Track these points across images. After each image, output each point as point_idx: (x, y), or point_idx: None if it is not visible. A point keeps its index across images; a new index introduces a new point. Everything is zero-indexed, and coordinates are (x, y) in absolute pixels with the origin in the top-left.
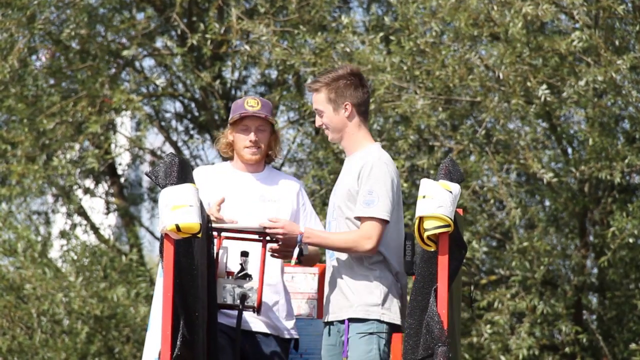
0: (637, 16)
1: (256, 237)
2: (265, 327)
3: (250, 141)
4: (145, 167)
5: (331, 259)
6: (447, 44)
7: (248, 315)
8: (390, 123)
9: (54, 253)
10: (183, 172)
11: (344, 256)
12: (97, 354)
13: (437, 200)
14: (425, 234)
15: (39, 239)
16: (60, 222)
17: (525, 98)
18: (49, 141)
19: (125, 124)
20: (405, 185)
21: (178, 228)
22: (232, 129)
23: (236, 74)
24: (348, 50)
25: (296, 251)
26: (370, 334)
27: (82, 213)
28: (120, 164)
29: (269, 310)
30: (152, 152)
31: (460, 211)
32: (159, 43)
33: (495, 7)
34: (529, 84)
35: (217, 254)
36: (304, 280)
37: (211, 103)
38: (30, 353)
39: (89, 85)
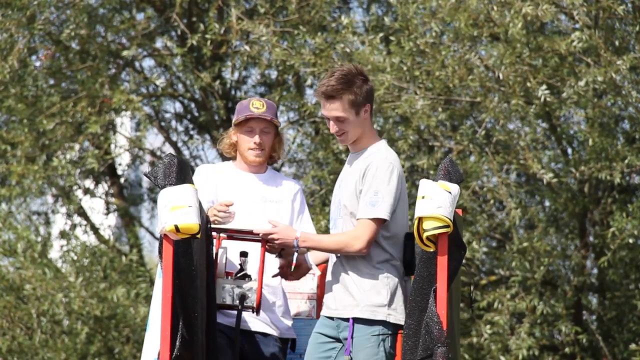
0: (637, 16)
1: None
2: (264, 327)
3: (255, 143)
4: (145, 168)
5: (336, 256)
6: (447, 45)
7: (247, 315)
8: (390, 123)
9: (54, 253)
10: (182, 173)
11: (350, 261)
12: (97, 355)
13: (437, 200)
14: (425, 235)
15: (39, 239)
16: (60, 222)
17: (525, 98)
18: (48, 141)
19: (125, 124)
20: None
21: (177, 229)
22: (236, 130)
23: (236, 75)
24: (348, 50)
25: (295, 256)
26: (377, 335)
27: (82, 213)
28: (120, 165)
29: (267, 310)
30: (152, 153)
31: (459, 211)
32: (158, 43)
33: (495, 8)
34: (528, 84)
35: (216, 254)
36: (303, 280)
37: (211, 103)
38: (30, 353)
39: (88, 85)
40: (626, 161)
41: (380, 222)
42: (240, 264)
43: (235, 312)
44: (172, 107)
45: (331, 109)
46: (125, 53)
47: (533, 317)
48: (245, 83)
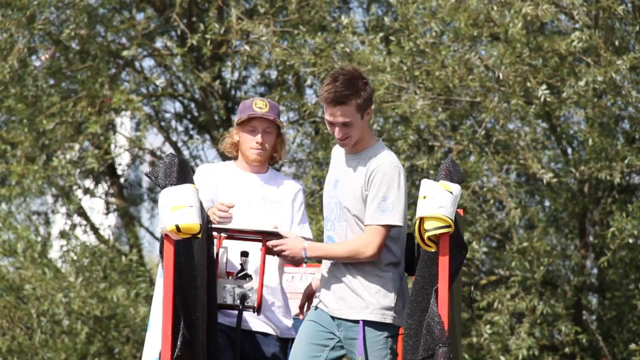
0: (637, 16)
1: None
2: (264, 326)
3: (257, 142)
4: (145, 168)
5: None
6: (447, 44)
7: (248, 315)
8: (390, 123)
9: (54, 253)
10: (183, 173)
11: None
12: (97, 354)
13: (438, 200)
14: (426, 235)
15: (39, 239)
16: (60, 222)
17: (525, 98)
18: (48, 141)
19: (125, 124)
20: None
21: (178, 228)
22: (238, 129)
23: (236, 74)
24: (348, 50)
25: (304, 266)
26: (386, 337)
27: (82, 213)
28: (120, 164)
29: (267, 311)
30: (152, 153)
31: (460, 212)
32: (158, 43)
33: (495, 8)
34: (528, 84)
35: (217, 254)
36: (304, 280)
37: (211, 103)
38: (30, 353)
39: (88, 85)
40: (626, 161)
41: (389, 228)
42: (241, 264)
43: (236, 312)
44: (172, 107)
45: (339, 115)
46: (125, 53)
47: (533, 317)
48: (245, 83)
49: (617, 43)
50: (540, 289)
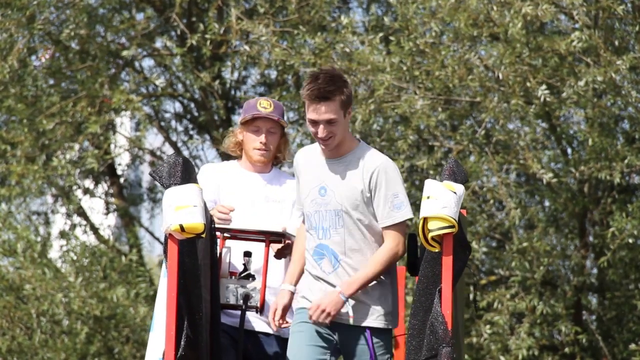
0: (637, 16)
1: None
2: (267, 327)
3: (261, 142)
4: (145, 168)
5: (335, 268)
6: (447, 45)
7: (250, 315)
8: (390, 123)
9: (54, 253)
10: (187, 172)
11: (353, 261)
12: (97, 354)
13: (442, 201)
14: (430, 235)
15: (39, 239)
16: (59, 222)
17: (524, 98)
18: (48, 141)
19: (124, 124)
20: (404, 185)
21: (182, 228)
22: (242, 129)
23: (236, 74)
24: (348, 50)
25: (349, 311)
26: (388, 342)
27: (82, 213)
28: (119, 164)
29: (269, 311)
30: (152, 153)
31: (464, 212)
32: (158, 43)
33: (495, 8)
34: (528, 84)
35: (220, 254)
36: None
37: (211, 103)
38: (30, 353)
39: (88, 85)
40: (626, 161)
41: (406, 223)
42: (244, 264)
43: (238, 312)
44: (171, 107)
45: (324, 111)
46: (125, 53)
47: (533, 317)
48: (245, 83)
49: (617, 43)
50: (540, 289)
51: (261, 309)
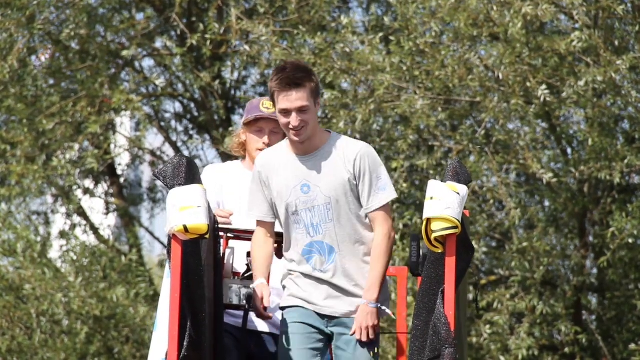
0: (637, 16)
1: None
2: (270, 327)
3: (264, 144)
4: (145, 168)
5: (328, 263)
6: (447, 44)
7: (253, 316)
8: (390, 123)
9: (54, 253)
10: (191, 173)
11: (348, 252)
12: (97, 354)
13: (445, 201)
14: (433, 236)
15: (39, 239)
16: (59, 222)
17: (524, 98)
18: (48, 141)
19: (124, 124)
20: (404, 185)
21: (186, 229)
22: (245, 129)
23: (236, 74)
24: (348, 50)
25: (386, 310)
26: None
27: (82, 213)
28: (119, 164)
29: (273, 311)
30: (152, 153)
31: (466, 212)
32: (158, 43)
33: (495, 8)
34: (528, 84)
35: (223, 254)
36: None
37: (211, 103)
38: (30, 353)
39: (88, 85)
40: (626, 161)
41: (391, 203)
42: (247, 265)
43: (242, 312)
44: (171, 107)
45: (296, 99)
46: (125, 53)
47: (533, 317)
48: (245, 83)
49: (616, 43)
50: (540, 289)
51: (264, 310)
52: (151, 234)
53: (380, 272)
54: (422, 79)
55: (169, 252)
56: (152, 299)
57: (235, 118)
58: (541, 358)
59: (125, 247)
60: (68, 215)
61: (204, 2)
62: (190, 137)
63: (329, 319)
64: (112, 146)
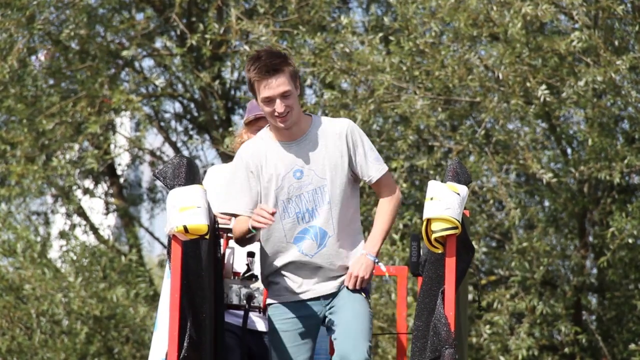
0: (637, 16)
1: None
2: None
3: None
4: (145, 168)
5: (319, 247)
6: (447, 44)
7: (254, 315)
8: (390, 123)
9: (54, 253)
10: (191, 173)
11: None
12: (97, 354)
13: (445, 202)
14: (433, 236)
15: (39, 239)
16: (59, 222)
17: (524, 98)
18: (48, 141)
19: (124, 124)
20: (404, 185)
21: (186, 229)
22: (247, 129)
23: (235, 74)
24: (347, 50)
25: (381, 266)
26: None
27: (82, 213)
28: (119, 165)
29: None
30: (152, 153)
31: (467, 213)
32: (158, 43)
33: (495, 8)
34: (528, 84)
35: (224, 254)
36: None
37: (210, 103)
38: (30, 353)
39: (88, 85)
40: (626, 161)
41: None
42: (247, 264)
43: (242, 312)
44: (171, 107)
45: (277, 85)
46: (124, 53)
47: (532, 317)
48: (245, 83)
49: (616, 43)
50: (540, 289)
51: (264, 309)
52: (151, 234)
53: (383, 229)
54: (422, 79)
55: (169, 253)
56: (152, 299)
57: (235, 118)
58: (541, 358)
59: (125, 247)
60: (68, 216)
61: (203, 2)
62: (190, 137)
63: (324, 298)
64: (112, 146)
